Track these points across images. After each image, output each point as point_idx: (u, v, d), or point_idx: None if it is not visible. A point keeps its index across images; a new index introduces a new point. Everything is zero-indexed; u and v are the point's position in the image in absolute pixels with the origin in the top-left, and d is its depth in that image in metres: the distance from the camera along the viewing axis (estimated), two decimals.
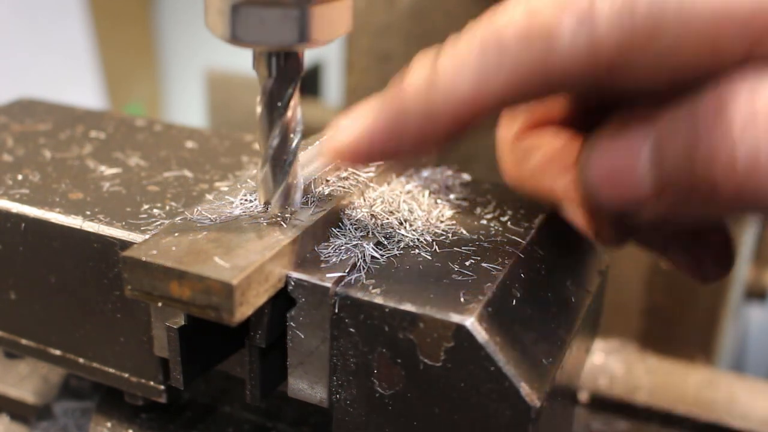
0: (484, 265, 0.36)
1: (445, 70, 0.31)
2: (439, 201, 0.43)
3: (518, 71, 0.30)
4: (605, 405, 0.61)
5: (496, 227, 0.41)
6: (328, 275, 0.35)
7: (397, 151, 0.33)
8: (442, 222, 0.41)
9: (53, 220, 0.40)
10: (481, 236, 0.40)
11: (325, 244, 0.38)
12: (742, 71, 0.29)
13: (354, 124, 0.34)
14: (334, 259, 0.36)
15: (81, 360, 0.43)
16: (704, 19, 0.28)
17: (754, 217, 0.34)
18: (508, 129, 0.42)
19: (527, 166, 0.40)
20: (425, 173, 0.46)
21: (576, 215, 0.40)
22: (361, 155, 0.34)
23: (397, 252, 0.37)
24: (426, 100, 0.32)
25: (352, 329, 0.34)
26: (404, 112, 0.32)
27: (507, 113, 0.42)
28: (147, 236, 0.36)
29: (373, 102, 0.34)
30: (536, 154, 0.40)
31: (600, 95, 0.39)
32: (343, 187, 0.41)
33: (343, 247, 0.37)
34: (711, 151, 0.28)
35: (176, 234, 0.35)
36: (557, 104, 0.41)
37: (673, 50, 0.29)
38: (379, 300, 0.33)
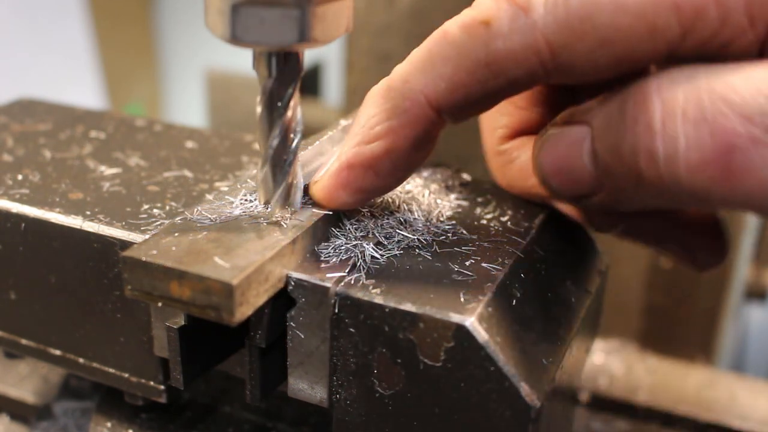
0: (484, 265, 0.36)
1: (399, 73, 0.34)
2: (439, 201, 0.43)
3: (463, 63, 0.32)
4: (605, 405, 0.62)
5: (496, 227, 0.41)
6: (328, 275, 0.35)
7: (374, 189, 0.37)
8: (442, 222, 0.41)
9: (53, 220, 0.40)
10: (481, 236, 0.40)
11: (325, 244, 0.38)
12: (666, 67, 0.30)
13: (326, 178, 0.37)
14: (334, 259, 0.36)
15: (81, 360, 0.43)
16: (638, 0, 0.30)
17: (696, 207, 0.36)
18: (491, 137, 0.44)
19: (511, 169, 0.43)
20: (425, 173, 0.46)
21: (564, 207, 0.43)
22: (339, 203, 0.37)
23: (397, 252, 0.37)
24: (388, 109, 0.34)
25: (352, 329, 0.34)
26: (370, 140, 0.35)
27: (485, 121, 0.44)
28: (147, 236, 0.36)
29: (337, 156, 0.37)
30: (518, 158, 0.42)
31: (560, 95, 0.42)
32: None
33: (343, 247, 0.37)
34: (635, 144, 0.30)
35: (176, 234, 0.35)
36: (534, 113, 0.43)
37: (611, 33, 0.30)
38: (379, 300, 0.33)
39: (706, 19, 0.30)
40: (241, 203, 0.38)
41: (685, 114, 0.29)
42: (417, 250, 0.38)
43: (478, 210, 0.43)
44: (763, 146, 0.27)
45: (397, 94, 0.34)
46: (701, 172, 0.29)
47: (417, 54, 0.34)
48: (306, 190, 0.39)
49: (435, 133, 0.36)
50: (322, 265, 0.36)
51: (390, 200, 0.41)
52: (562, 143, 0.34)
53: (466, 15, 0.33)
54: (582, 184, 0.34)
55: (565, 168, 0.34)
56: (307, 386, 0.37)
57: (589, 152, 0.33)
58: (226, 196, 0.39)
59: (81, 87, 2.38)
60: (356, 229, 0.39)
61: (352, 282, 0.35)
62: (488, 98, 0.34)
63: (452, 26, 0.33)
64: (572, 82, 0.36)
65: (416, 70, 0.34)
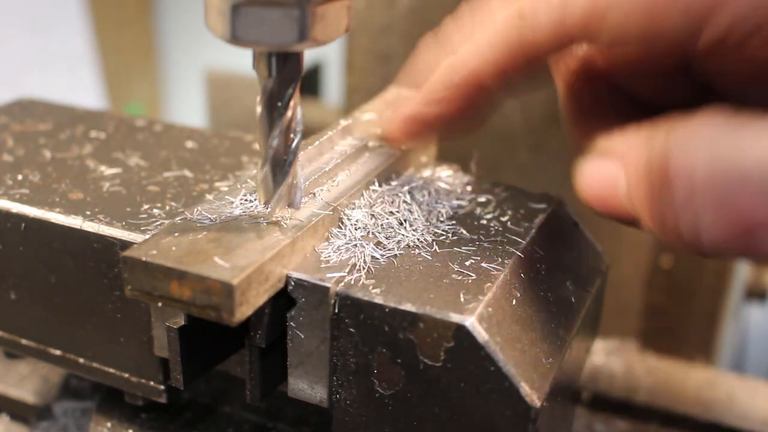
0: (484, 265, 0.36)
1: (463, 54, 0.38)
2: (439, 201, 0.43)
3: (505, 50, 0.37)
4: (605, 405, 0.61)
5: (496, 227, 0.41)
6: (328, 275, 0.35)
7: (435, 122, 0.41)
8: (442, 222, 0.41)
9: (53, 220, 0.40)
10: (481, 236, 0.40)
11: (325, 244, 0.38)
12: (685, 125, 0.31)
13: (396, 120, 0.42)
14: (334, 259, 0.36)
15: (81, 360, 0.43)
16: None
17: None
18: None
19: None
20: (425, 173, 0.46)
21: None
22: (404, 132, 0.42)
23: (397, 252, 0.37)
24: (445, 80, 0.39)
25: (352, 329, 0.34)
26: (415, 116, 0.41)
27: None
28: (147, 236, 0.36)
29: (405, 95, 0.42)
30: None
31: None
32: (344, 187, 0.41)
33: (343, 247, 0.37)
34: (661, 214, 0.31)
35: (176, 234, 0.35)
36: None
37: (624, 18, 0.33)
38: (379, 300, 0.33)
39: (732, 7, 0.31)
40: (241, 203, 0.38)
41: (704, 196, 0.29)
42: (417, 250, 0.38)
43: (478, 210, 0.43)
44: None
45: (455, 71, 0.39)
46: (724, 248, 0.30)
47: (477, 38, 0.38)
48: (306, 190, 0.39)
49: (483, 104, 0.40)
50: (322, 265, 0.36)
51: (390, 200, 0.41)
52: (599, 175, 0.34)
53: (510, 6, 0.37)
54: (623, 215, 0.34)
55: (604, 200, 0.34)
56: (307, 386, 0.37)
57: (625, 195, 0.33)
58: (226, 196, 0.39)
59: (81, 87, 2.38)
60: (356, 229, 0.39)
61: (352, 282, 0.35)
62: (536, 81, 0.40)
63: (500, 16, 0.37)
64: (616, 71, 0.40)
65: (472, 53, 0.38)
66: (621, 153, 0.33)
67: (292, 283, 0.35)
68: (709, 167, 0.29)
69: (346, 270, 0.35)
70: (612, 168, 0.33)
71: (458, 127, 0.42)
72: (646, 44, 0.35)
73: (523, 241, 0.39)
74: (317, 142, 0.42)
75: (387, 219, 0.40)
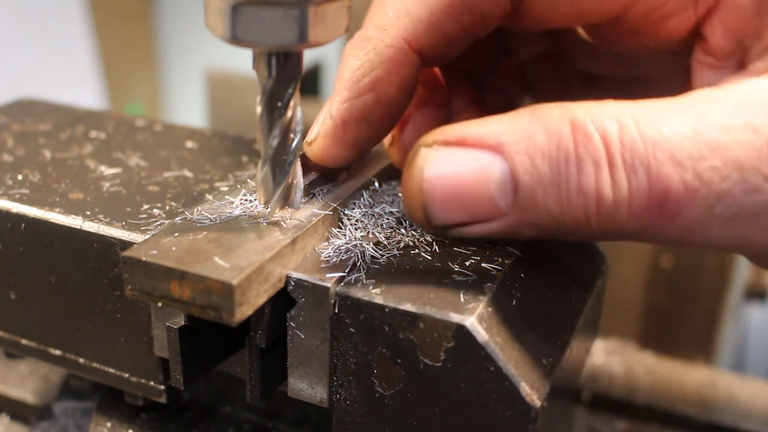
0: (484, 265, 0.36)
1: (374, 23, 0.36)
2: None
3: (440, 3, 0.34)
4: (605, 405, 0.61)
5: None
6: (328, 275, 0.35)
7: (365, 143, 0.37)
8: None
9: (53, 220, 0.40)
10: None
11: (325, 244, 0.38)
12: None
13: (322, 138, 0.38)
14: (334, 259, 0.36)
15: (81, 360, 0.43)
16: None
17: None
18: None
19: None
20: None
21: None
22: (339, 160, 0.38)
23: (397, 252, 0.37)
24: (371, 59, 0.35)
25: (352, 329, 0.34)
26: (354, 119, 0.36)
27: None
28: (147, 236, 0.36)
29: (325, 113, 0.38)
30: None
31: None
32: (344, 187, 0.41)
33: (343, 247, 0.37)
34: (583, 186, 0.29)
35: (176, 234, 0.35)
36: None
37: None
38: (379, 300, 0.33)
39: None
40: (241, 203, 0.38)
41: (625, 160, 0.28)
42: (417, 250, 0.38)
43: None
44: (693, 190, 0.28)
45: (378, 43, 0.35)
46: (640, 217, 0.29)
47: (389, 3, 0.35)
48: (306, 190, 0.39)
49: (418, 76, 0.37)
50: (322, 265, 0.36)
51: (390, 200, 0.41)
52: (462, 168, 0.31)
53: None
54: (476, 215, 0.31)
55: (463, 197, 0.31)
56: (307, 386, 0.37)
57: (502, 184, 0.30)
58: (226, 196, 0.39)
59: (81, 87, 2.38)
60: (356, 229, 0.39)
61: (352, 282, 0.35)
62: (464, 37, 0.35)
63: None
64: (536, 28, 0.37)
65: (393, 17, 0.35)
66: (497, 140, 0.30)
67: (292, 283, 0.35)
68: (627, 133, 0.28)
69: (346, 270, 0.35)
70: (482, 157, 0.30)
71: (395, 114, 0.37)
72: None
73: (523, 242, 0.39)
74: None
75: (387, 219, 0.40)
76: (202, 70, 2.06)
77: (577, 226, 0.30)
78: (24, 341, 0.44)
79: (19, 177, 0.45)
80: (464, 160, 0.31)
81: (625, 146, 0.28)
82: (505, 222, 0.31)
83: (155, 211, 0.41)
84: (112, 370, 0.42)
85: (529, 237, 0.32)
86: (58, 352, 0.43)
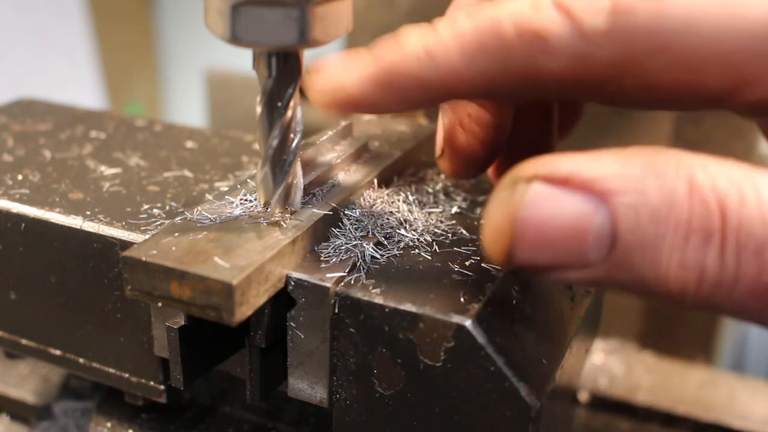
0: (484, 265, 0.36)
1: (445, 43, 0.31)
2: (439, 201, 0.43)
3: (505, 68, 0.30)
4: (605, 405, 0.61)
5: None
6: (328, 275, 0.35)
7: (383, 106, 0.33)
8: (442, 222, 0.41)
9: (53, 220, 0.40)
10: (481, 236, 0.40)
11: (325, 244, 0.38)
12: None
13: (345, 70, 0.33)
14: (334, 259, 0.36)
15: (81, 360, 0.43)
16: (696, 43, 0.28)
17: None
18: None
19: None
20: (426, 173, 0.46)
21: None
22: (348, 102, 0.33)
23: (397, 252, 0.37)
24: (420, 66, 0.31)
25: (352, 329, 0.34)
26: (397, 73, 0.32)
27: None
28: (147, 236, 0.36)
29: (364, 53, 0.33)
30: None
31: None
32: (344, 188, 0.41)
33: (343, 247, 0.37)
34: (687, 259, 0.26)
35: (176, 234, 0.35)
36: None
37: (682, 59, 0.28)
38: (379, 300, 0.33)
39: None
40: (241, 203, 0.38)
41: (739, 241, 0.25)
42: (417, 250, 0.38)
43: (478, 210, 0.43)
44: None
45: (432, 68, 0.31)
46: (742, 300, 0.26)
47: (465, 34, 0.30)
48: (306, 190, 0.39)
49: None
50: (322, 265, 0.36)
51: (390, 200, 0.41)
52: (562, 213, 0.27)
53: (523, 15, 0.29)
54: (562, 262, 0.28)
55: (555, 244, 0.27)
56: (307, 386, 0.37)
57: (600, 237, 0.27)
58: (226, 196, 0.39)
59: (81, 87, 2.38)
60: (356, 229, 0.39)
61: (352, 282, 0.35)
62: (517, 100, 0.34)
63: (508, 22, 0.30)
64: (618, 106, 0.33)
65: (459, 52, 0.31)
66: (604, 186, 0.26)
67: (292, 283, 0.35)
68: (743, 213, 0.25)
69: (346, 270, 0.35)
70: (584, 203, 0.26)
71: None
72: (677, 93, 0.30)
73: None
74: (317, 142, 0.42)
75: (387, 219, 0.40)
76: (202, 70, 2.06)
77: (669, 297, 0.27)
78: (24, 341, 0.44)
79: (19, 177, 0.45)
80: (566, 203, 0.27)
81: (742, 225, 0.25)
82: (591, 274, 0.28)
83: (155, 211, 0.41)
84: (112, 370, 0.42)
85: (612, 289, 0.29)
86: (58, 352, 0.43)
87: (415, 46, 0.31)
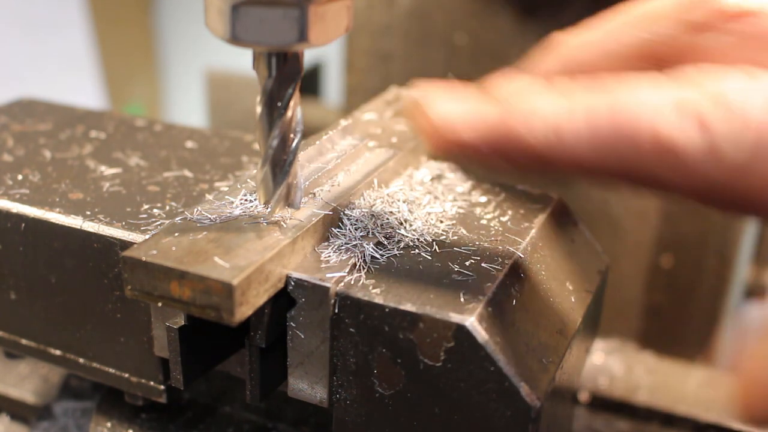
0: (484, 265, 0.36)
1: (577, 128, 0.29)
2: (439, 201, 0.43)
3: (635, 168, 0.29)
4: (605, 405, 0.61)
5: (496, 227, 0.41)
6: (328, 275, 0.35)
7: (488, 164, 0.32)
8: (442, 222, 0.41)
9: (53, 220, 0.40)
10: (481, 236, 0.40)
11: (325, 244, 0.38)
12: None
13: (465, 116, 0.31)
14: (334, 259, 0.36)
15: (81, 360, 0.43)
16: None
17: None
18: None
19: None
20: (425, 173, 0.46)
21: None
22: (457, 148, 0.32)
23: (397, 252, 0.37)
24: (545, 145, 0.30)
25: (352, 329, 0.34)
26: (518, 142, 0.30)
27: None
28: (147, 236, 0.36)
29: (489, 101, 0.31)
30: None
31: None
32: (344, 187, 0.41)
33: (343, 247, 0.37)
34: None
35: (176, 234, 0.35)
36: None
37: None
38: (379, 300, 0.33)
39: None
40: (241, 203, 0.38)
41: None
42: (417, 250, 0.38)
43: (478, 210, 0.43)
44: None
45: (556, 148, 0.30)
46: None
47: (601, 127, 0.29)
48: (306, 190, 0.39)
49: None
50: (322, 265, 0.36)
51: (390, 200, 0.41)
52: None
53: (663, 122, 0.28)
54: None
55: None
56: (307, 386, 0.37)
57: None
58: (226, 196, 0.39)
59: (81, 87, 2.38)
60: (356, 229, 0.39)
61: (352, 282, 0.35)
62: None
63: (647, 128, 0.28)
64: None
65: (589, 144, 0.29)
66: None
67: (292, 283, 0.35)
68: None
69: (346, 270, 0.35)
70: None
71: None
72: None
73: (523, 241, 0.39)
74: (317, 142, 0.42)
75: (387, 219, 0.40)
76: (202, 70, 2.06)
77: None
78: (24, 341, 0.44)
79: (19, 177, 0.45)
80: None
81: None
82: None
83: (155, 211, 0.41)
84: (112, 370, 0.42)
85: None
86: (58, 352, 0.43)
87: (545, 121, 0.30)
